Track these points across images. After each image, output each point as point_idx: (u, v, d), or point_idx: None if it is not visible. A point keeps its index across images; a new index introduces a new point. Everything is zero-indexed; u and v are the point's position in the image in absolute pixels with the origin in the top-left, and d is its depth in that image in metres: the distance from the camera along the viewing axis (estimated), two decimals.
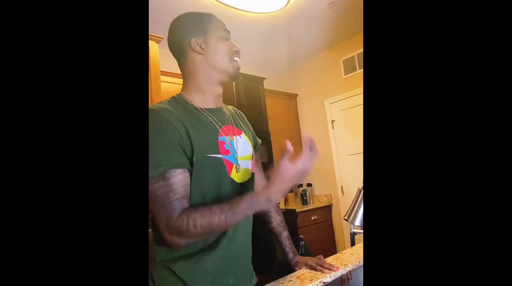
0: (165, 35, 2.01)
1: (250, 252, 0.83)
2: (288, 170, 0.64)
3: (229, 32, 0.79)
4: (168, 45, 0.79)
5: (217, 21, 0.79)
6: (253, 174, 0.83)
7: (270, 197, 0.64)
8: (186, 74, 0.78)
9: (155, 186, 0.63)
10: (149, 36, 1.87)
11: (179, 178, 0.65)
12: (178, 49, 0.77)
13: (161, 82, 1.97)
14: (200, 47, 0.74)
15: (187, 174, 0.67)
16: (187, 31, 0.75)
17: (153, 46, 1.91)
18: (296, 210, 2.80)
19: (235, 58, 0.78)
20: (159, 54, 1.93)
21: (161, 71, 1.98)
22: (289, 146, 0.65)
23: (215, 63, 0.75)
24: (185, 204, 0.65)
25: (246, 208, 0.65)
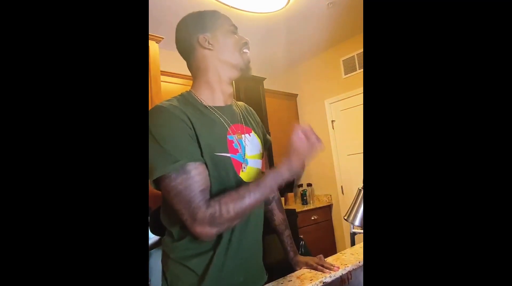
0: (165, 35, 2.03)
1: (261, 250, 0.83)
2: (302, 140, 0.67)
3: (236, 27, 0.78)
4: (176, 46, 0.78)
5: (222, 16, 0.78)
6: (263, 173, 0.81)
7: (291, 166, 0.67)
8: (195, 72, 0.77)
9: (177, 181, 0.62)
10: (149, 36, 1.86)
11: (199, 170, 0.64)
12: (186, 48, 0.76)
13: (161, 82, 1.97)
14: (209, 43, 0.74)
15: (204, 166, 0.66)
16: (194, 29, 0.74)
17: (153, 46, 1.90)
18: (296, 210, 2.80)
19: (244, 50, 0.77)
20: (159, 54, 1.93)
21: (161, 71, 1.98)
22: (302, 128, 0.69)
23: (225, 58, 0.75)
24: (208, 195, 0.65)
25: (271, 182, 0.66)
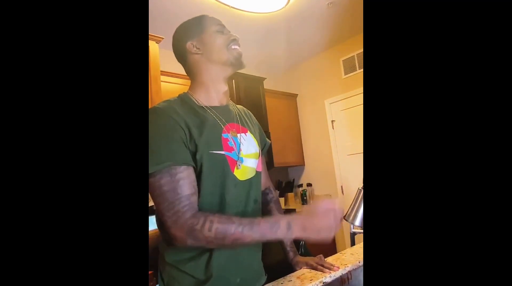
0: (165, 35, 2.02)
1: (260, 250, 0.83)
2: (322, 216, 0.63)
3: (223, 26, 0.81)
4: (175, 56, 0.83)
5: (208, 19, 0.80)
6: (258, 172, 0.83)
7: (292, 225, 0.63)
8: (190, 75, 0.81)
9: (161, 182, 0.63)
10: (149, 36, 1.87)
11: (185, 174, 0.65)
12: (180, 57, 0.81)
13: (161, 82, 1.97)
14: (196, 47, 0.77)
15: (191, 170, 0.67)
16: (183, 38, 0.79)
17: (153, 46, 1.90)
18: (296, 210, 2.80)
19: (233, 47, 0.79)
20: (159, 54, 1.93)
21: (161, 71, 1.98)
22: (337, 204, 0.65)
23: (214, 58, 0.77)
24: (195, 201, 0.65)
25: (265, 228, 0.64)
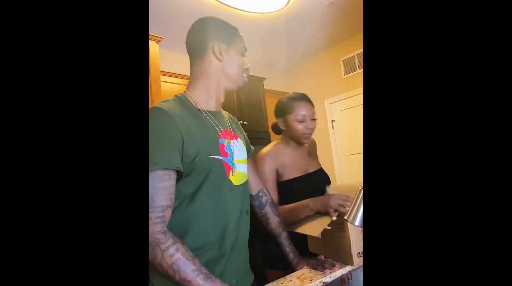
0: (165, 35, 2.02)
1: (247, 251, 0.84)
2: None
3: (246, 48, 0.84)
4: (186, 42, 0.81)
5: (240, 35, 0.83)
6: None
7: None
8: (196, 74, 0.79)
9: (150, 184, 0.63)
10: (149, 36, 1.86)
11: (166, 185, 0.64)
12: (197, 49, 0.78)
13: (161, 82, 1.97)
14: (221, 53, 0.77)
15: (173, 182, 0.65)
16: (212, 35, 0.77)
17: (153, 46, 1.90)
18: None
19: (244, 74, 0.82)
20: (159, 54, 1.93)
21: (161, 71, 1.98)
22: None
23: (230, 72, 0.79)
24: (168, 216, 0.64)
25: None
